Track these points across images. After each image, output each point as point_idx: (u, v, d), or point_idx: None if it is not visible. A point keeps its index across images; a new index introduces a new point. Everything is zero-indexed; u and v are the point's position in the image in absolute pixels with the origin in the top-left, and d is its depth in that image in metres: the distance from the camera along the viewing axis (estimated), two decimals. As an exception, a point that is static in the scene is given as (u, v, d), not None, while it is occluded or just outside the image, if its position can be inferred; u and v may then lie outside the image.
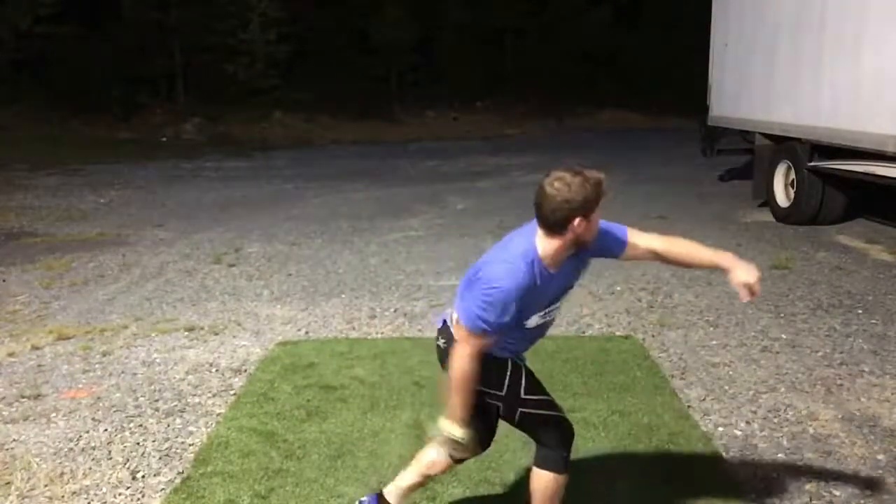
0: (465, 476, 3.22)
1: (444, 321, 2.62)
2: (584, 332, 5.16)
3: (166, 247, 7.98)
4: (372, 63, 25.57)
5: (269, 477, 3.27)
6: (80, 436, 3.71)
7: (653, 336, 5.05)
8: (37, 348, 4.94)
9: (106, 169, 14.68)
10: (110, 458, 3.49)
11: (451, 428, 2.46)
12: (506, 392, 2.52)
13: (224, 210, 10.27)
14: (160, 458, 3.48)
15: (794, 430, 3.67)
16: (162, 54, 23.14)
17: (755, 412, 3.88)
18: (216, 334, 5.21)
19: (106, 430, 3.78)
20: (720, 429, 3.71)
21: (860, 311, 5.52)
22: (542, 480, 2.55)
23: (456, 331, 2.47)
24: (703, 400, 4.04)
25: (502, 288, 2.31)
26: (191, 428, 3.79)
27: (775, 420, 3.79)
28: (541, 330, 2.59)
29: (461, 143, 20.32)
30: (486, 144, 19.81)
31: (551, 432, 2.55)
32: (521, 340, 2.56)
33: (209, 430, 3.75)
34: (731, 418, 3.82)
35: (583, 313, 5.54)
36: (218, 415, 3.92)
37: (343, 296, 6.13)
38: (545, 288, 2.42)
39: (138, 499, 3.16)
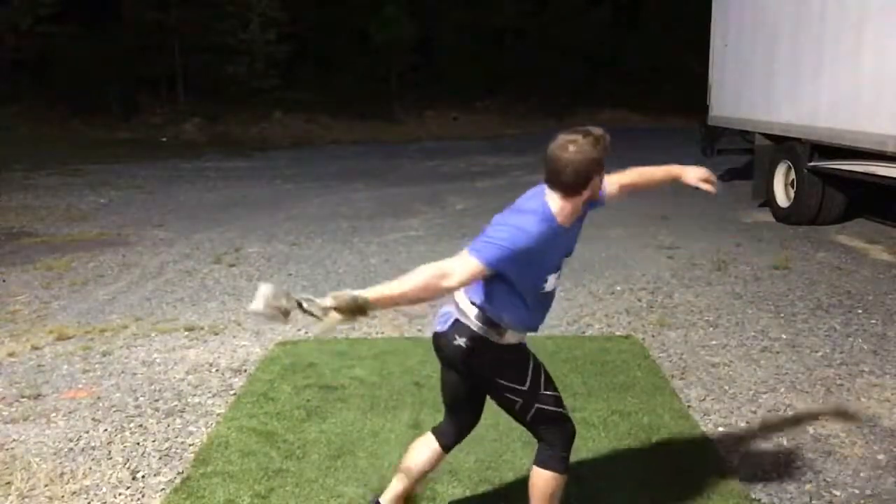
0: (465, 476, 3.22)
1: (457, 319, 2.49)
2: (584, 332, 5.16)
3: (166, 247, 7.98)
4: (372, 63, 25.56)
5: (269, 477, 3.27)
6: (80, 436, 3.71)
7: (653, 336, 5.04)
8: (37, 348, 4.94)
9: (106, 169, 14.67)
10: (110, 458, 3.49)
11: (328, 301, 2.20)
12: (529, 386, 2.50)
13: (224, 210, 10.27)
14: (160, 458, 3.48)
15: (794, 430, 3.67)
16: (162, 54, 23.14)
17: (755, 412, 3.88)
18: (216, 334, 5.21)
19: (106, 430, 3.78)
20: (720, 429, 3.71)
21: (860, 311, 5.52)
22: (543, 480, 2.55)
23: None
24: (703, 400, 4.04)
25: (517, 226, 2.31)
26: (191, 428, 3.79)
27: (775, 420, 3.79)
28: (552, 296, 2.58)
29: (461, 143, 20.32)
30: (486, 144, 19.81)
31: (557, 431, 2.55)
32: (537, 310, 2.52)
33: (209, 430, 3.75)
34: (731, 418, 3.82)
35: (583, 313, 5.54)
36: (218, 415, 3.92)
37: (343, 296, 6.12)
38: (561, 242, 2.44)
39: (138, 499, 3.16)
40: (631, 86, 26.93)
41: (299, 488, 3.18)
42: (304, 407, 3.97)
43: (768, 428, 3.71)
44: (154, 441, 3.65)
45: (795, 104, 8.59)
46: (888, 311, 5.51)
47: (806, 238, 8.06)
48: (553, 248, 2.41)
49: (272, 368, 4.54)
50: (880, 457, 3.41)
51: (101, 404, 4.08)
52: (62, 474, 3.35)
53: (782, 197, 9.09)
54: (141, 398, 4.16)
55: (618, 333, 5.13)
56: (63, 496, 3.17)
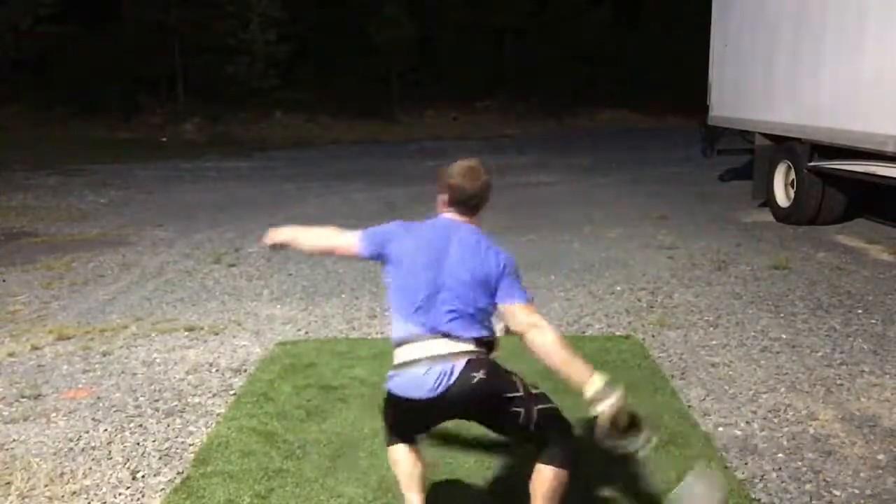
0: (465, 476, 3.22)
1: (466, 362, 2.47)
2: (584, 332, 5.16)
3: (166, 247, 7.98)
4: (372, 63, 25.58)
5: (269, 477, 3.27)
6: (80, 436, 3.71)
7: (653, 336, 5.04)
8: (37, 348, 4.94)
9: (106, 169, 14.68)
10: (110, 458, 3.49)
11: (595, 385, 2.41)
12: (524, 391, 2.52)
13: (224, 210, 10.27)
14: (160, 458, 3.48)
15: (794, 430, 3.67)
16: (162, 54, 23.16)
17: (755, 412, 3.88)
18: (216, 334, 5.21)
19: (106, 430, 3.78)
20: (720, 429, 3.71)
21: (860, 311, 5.52)
22: (549, 478, 2.51)
23: (520, 311, 2.51)
24: (703, 400, 4.04)
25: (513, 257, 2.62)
26: (191, 428, 3.79)
27: (775, 420, 3.79)
28: None
29: (461, 143, 20.32)
30: (486, 144, 19.82)
31: (560, 427, 2.56)
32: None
33: (209, 430, 3.75)
34: (731, 418, 3.82)
35: (583, 313, 5.54)
36: (218, 415, 3.92)
37: (343, 296, 6.13)
38: None
39: (138, 499, 3.16)
40: (631, 86, 26.95)
41: (299, 488, 3.18)
42: (304, 407, 3.97)
43: (768, 428, 3.71)
44: (154, 441, 3.65)
45: (795, 104, 8.59)
46: (888, 311, 5.51)
47: (806, 238, 8.06)
48: None
49: (272, 368, 4.54)
50: (880, 457, 3.41)
51: (101, 404, 4.08)
52: (62, 474, 3.35)
53: (782, 197, 9.09)
54: (141, 398, 4.16)
55: (618, 333, 5.13)
56: (63, 496, 3.17)
